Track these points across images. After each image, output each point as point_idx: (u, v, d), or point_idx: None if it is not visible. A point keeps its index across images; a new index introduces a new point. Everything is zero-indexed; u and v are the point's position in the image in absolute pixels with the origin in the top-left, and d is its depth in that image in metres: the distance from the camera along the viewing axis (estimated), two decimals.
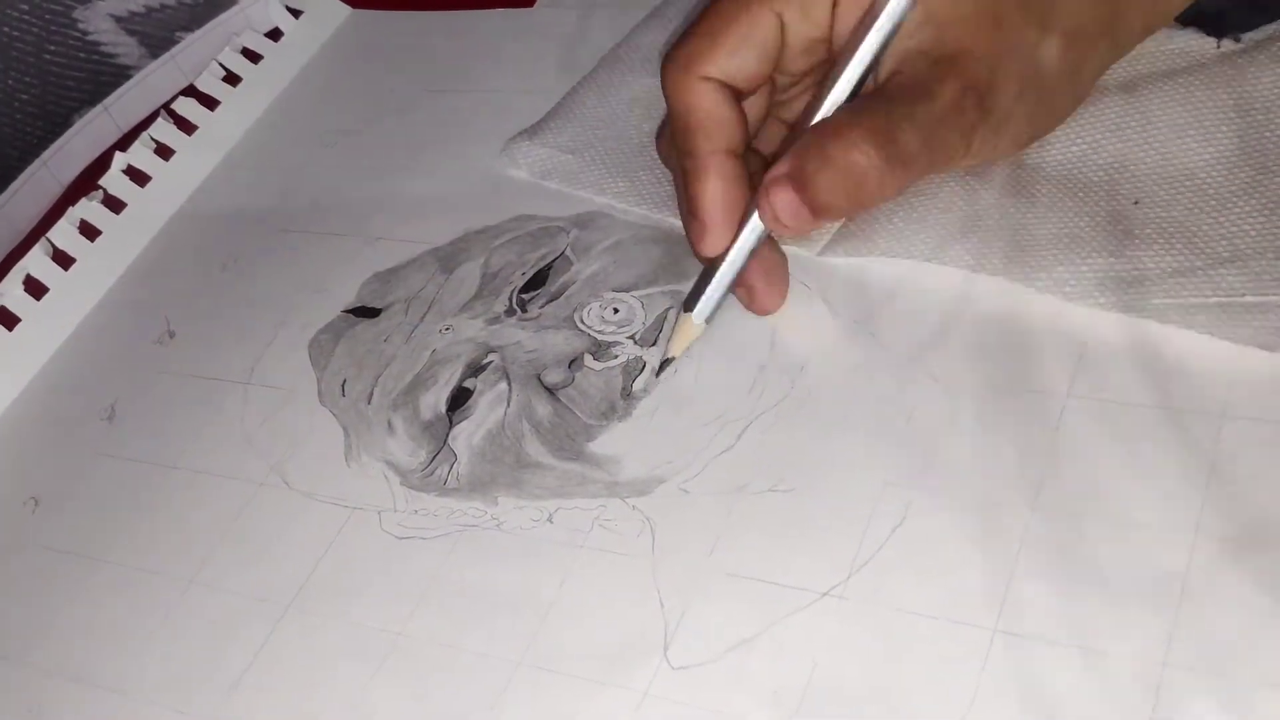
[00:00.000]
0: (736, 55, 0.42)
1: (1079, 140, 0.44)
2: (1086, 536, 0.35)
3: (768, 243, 0.43)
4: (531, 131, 0.55)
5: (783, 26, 0.42)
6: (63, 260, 0.57)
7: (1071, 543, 0.35)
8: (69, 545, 0.47)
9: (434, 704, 0.38)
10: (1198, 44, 0.45)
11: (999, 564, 0.35)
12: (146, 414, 0.51)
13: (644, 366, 0.44)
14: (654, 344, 0.45)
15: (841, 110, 0.41)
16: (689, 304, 0.43)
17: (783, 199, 0.40)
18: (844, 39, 0.42)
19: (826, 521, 0.38)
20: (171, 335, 0.53)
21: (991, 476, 0.37)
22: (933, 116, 0.40)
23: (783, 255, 0.44)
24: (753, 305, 0.44)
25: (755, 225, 0.42)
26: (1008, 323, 0.41)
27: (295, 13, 0.66)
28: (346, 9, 0.67)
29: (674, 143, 0.44)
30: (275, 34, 0.66)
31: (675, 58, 0.43)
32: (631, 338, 0.45)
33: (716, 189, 0.42)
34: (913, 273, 0.43)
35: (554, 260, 0.49)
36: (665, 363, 0.43)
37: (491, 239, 0.51)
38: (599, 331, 0.46)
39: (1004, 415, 0.39)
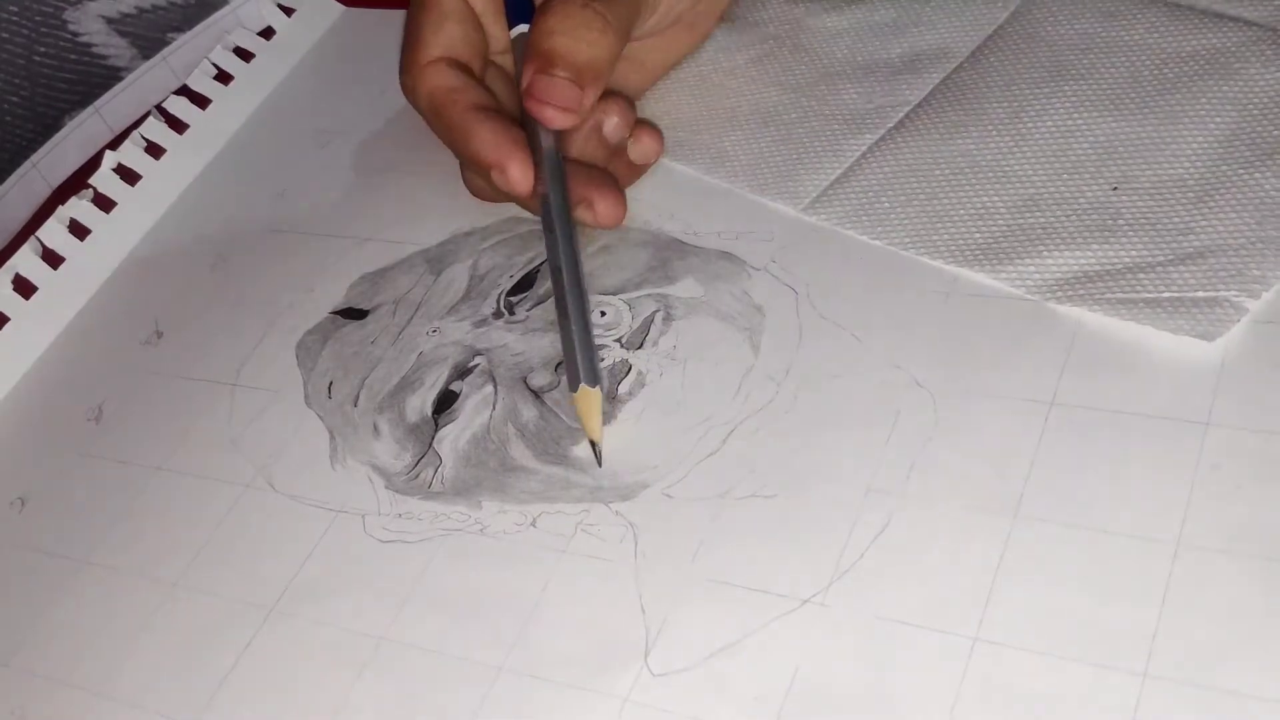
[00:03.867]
0: (442, 31, 0.48)
1: (1075, 114, 0.45)
2: (1069, 544, 0.35)
3: (595, 169, 0.47)
4: None
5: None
6: (52, 259, 0.57)
7: (1054, 551, 0.35)
8: (54, 546, 0.47)
9: (417, 708, 0.38)
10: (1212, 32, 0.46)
11: (981, 571, 0.35)
12: (134, 415, 0.50)
13: (629, 370, 0.44)
14: (640, 347, 0.45)
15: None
16: (573, 383, 0.42)
17: (539, 81, 0.45)
18: None
19: (809, 528, 0.38)
20: (159, 336, 0.53)
21: (974, 483, 0.37)
22: None
23: (609, 173, 0.47)
24: (598, 220, 0.46)
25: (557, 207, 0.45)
26: (993, 329, 0.41)
27: (287, 11, 0.66)
28: (339, 7, 0.67)
29: (441, 135, 0.48)
30: (267, 32, 0.65)
31: (402, 68, 0.49)
32: (618, 340, 0.45)
33: (487, 130, 0.46)
34: (897, 277, 0.43)
35: (542, 263, 0.49)
36: (596, 448, 0.42)
37: (480, 241, 0.51)
38: None
39: (987, 422, 0.39)
